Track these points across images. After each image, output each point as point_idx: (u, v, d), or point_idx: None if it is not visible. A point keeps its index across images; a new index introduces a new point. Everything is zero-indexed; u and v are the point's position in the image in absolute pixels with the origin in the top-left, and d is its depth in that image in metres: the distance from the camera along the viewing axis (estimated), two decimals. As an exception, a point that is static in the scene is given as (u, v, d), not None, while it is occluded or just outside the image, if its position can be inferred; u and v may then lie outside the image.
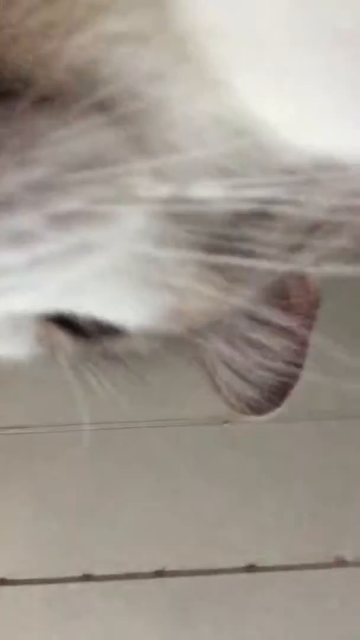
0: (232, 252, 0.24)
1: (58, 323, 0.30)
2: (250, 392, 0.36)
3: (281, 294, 0.36)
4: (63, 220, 0.21)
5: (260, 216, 0.23)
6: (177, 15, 0.19)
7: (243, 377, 0.36)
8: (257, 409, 0.37)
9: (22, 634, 0.93)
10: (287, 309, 0.36)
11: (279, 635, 0.93)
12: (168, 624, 0.93)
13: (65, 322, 0.30)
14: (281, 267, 0.27)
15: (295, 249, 0.26)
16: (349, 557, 0.94)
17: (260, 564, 0.94)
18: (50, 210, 0.20)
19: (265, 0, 0.18)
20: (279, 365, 0.36)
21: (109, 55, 0.20)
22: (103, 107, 0.21)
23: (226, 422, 0.97)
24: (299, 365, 0.36)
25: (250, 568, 0.94)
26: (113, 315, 0.28)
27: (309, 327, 0.38)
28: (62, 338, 0.31)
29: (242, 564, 0.94)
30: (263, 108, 0.20)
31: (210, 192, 0.22)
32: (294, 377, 0.36)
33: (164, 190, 0.21)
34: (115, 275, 0.24)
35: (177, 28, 0.20)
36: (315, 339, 0.37)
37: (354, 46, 0.18)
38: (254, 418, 0.37)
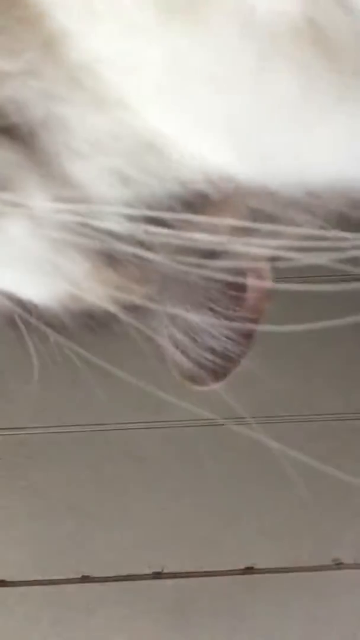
0: (127, 253, 0.26)
1: None
2: (192, 369, 0.37)
3: (234, 285, 0.37)
4: None
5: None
6: (68, 49, 0.23)
7: (186, 355, 0.37)
8: (197, 382, 0.38)
9: (21, 635, 0.94)
10: (238, 301, 0.37)
11: (277, 638, 0.93)
12: (166, 625, 0.93)
13: None
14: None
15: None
16: (346, 560, 0.94)
17: (258, 566, 0.94)
18: None
19: (144, 39, 0.22)
20: (221, 349, 0.36)
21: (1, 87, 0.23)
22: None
23: (224, 424, 0.97)
24: (241, 355, 0.37)
25: (248, 570, 0.94)
26: (24, 294, 0.29)
27: (257, 320, 0.38)
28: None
29: (240, 566, 0.94)
30: (157, 125, 0.24)
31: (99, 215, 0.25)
32: (235, 362, 0.36)
33: (49, 206, 0.25)
34: (13, 259, 0.26)
35: (69, 59, 0.23)
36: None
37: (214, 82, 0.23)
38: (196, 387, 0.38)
